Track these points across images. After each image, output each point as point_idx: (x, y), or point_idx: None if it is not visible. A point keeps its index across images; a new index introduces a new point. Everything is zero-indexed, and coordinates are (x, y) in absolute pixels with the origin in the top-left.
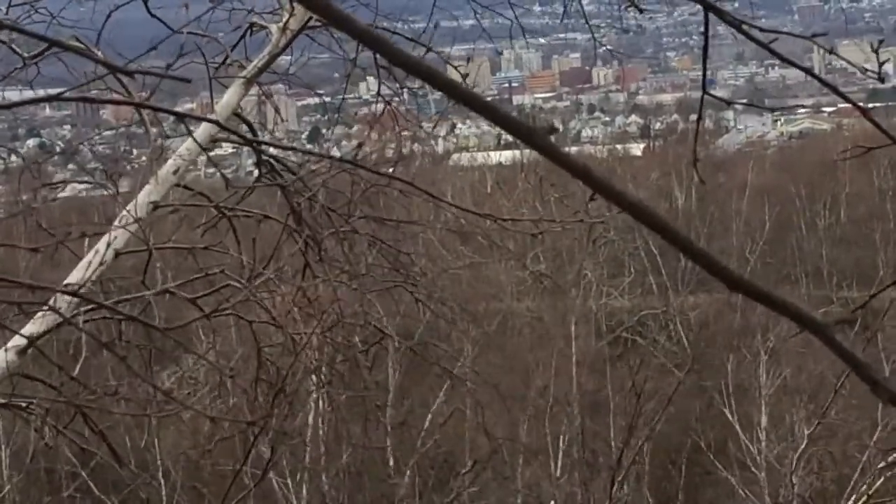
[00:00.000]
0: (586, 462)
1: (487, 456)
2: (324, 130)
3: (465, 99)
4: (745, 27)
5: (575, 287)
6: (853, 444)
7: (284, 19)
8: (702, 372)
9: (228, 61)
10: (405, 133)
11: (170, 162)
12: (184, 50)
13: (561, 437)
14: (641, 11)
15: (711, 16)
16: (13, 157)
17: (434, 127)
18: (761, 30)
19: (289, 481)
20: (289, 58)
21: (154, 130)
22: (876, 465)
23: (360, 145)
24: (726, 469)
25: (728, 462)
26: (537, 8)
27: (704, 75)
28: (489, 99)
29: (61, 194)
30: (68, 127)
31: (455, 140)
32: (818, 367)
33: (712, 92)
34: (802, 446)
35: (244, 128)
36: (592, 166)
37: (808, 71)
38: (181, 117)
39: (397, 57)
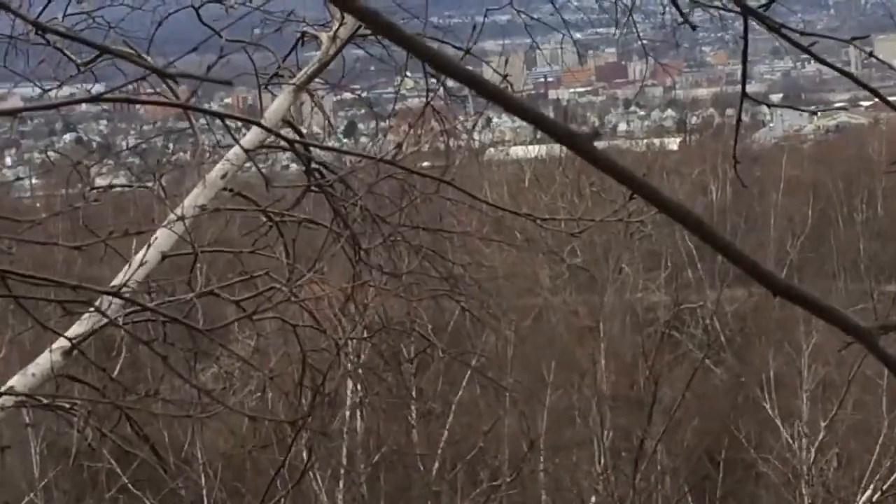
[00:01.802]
0: (629, 458)
1: (524, 454)
2: (360, 125)
3: (511, 107)
4: (784, 31)
5: (612, 281)
6: (867, 438)
7: (334, 28)
8: (740, 366)
9: (279, 69)
10: (443, 129)
11: (218, 166)
12: (233, 56)
13: (604, 432)
14: (694, 28)
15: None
16: (51, 153)
17: (473, 127)
18: (801, 33)
19: (318, 476)
20: (338, 61)
21: (200, 128)
22: (886, 462)
23: (399, 146)
24: (765, 464)
25: (766, 457)
26: (574, 3)
27: (744, 79)
28: (524, 96)
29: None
30: (104, 122)
31: (491, 134)
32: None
33: (748, 86)
34: (819, 439)
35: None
36: (633, 170)
37: (846, 73)
38: (224, 119)
39: (442, 64)
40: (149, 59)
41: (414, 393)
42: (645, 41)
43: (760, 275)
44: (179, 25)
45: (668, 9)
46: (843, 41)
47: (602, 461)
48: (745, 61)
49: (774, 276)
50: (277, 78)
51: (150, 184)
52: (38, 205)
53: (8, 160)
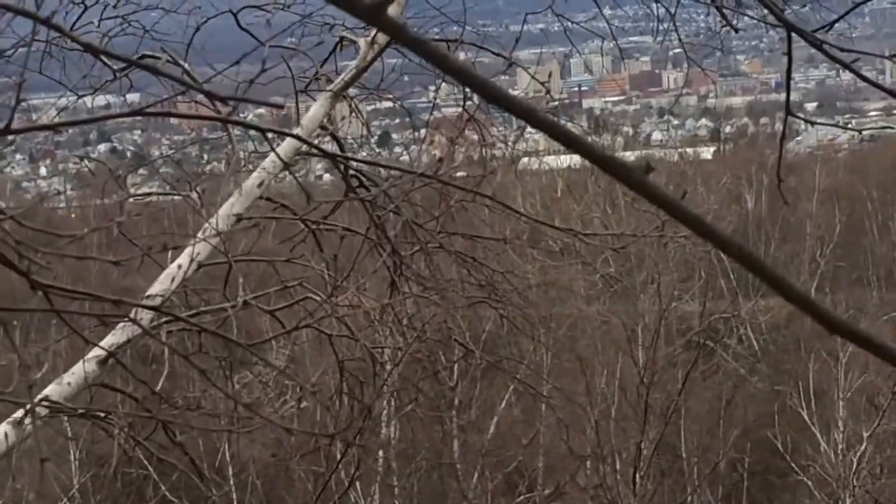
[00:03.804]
0: (661, 468)
1: (574, 470)
2: (394, 135)
3: (554, 133)
4: (826, 47)
5: (645, 291)
6: None
7: (373, 33)
8: (774, 376)
9: (317, 75)
10: (477, 137)
11: (254, 175)
12: (271, 62)
13: (642, 443)
14: (737, 31)
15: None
16: (85, 163)
17: (515, 142)
18: (842, 49)
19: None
20: (376, 68)
21: (237, 134)
22: None
23: (440, 160)
24: (802, 472)
25: (803, 466)
26: (607, 11)
27: (788, 98)
28: (557, 105)
29: (136, 200)
30: (139, 132)
31: (524, 144)
32: None
33: (782, 93)
34: (862, 447)
35: (332, 144)
36: (686, 206)
37: (883, 88)
38: (264, 132)
39: (472, 82)
40: (185, 65)
41: (456, 402)
42: (684, 46)
43: (813, 310)
44: (216, 30)
45: (710, 10)
46: (883, 57)
47: (635, 471)
48: (788, 79)
49: (828, 314)
50: (315, 83)
51: (186, 192)
52: (73, 215)
53: (43, 170)
